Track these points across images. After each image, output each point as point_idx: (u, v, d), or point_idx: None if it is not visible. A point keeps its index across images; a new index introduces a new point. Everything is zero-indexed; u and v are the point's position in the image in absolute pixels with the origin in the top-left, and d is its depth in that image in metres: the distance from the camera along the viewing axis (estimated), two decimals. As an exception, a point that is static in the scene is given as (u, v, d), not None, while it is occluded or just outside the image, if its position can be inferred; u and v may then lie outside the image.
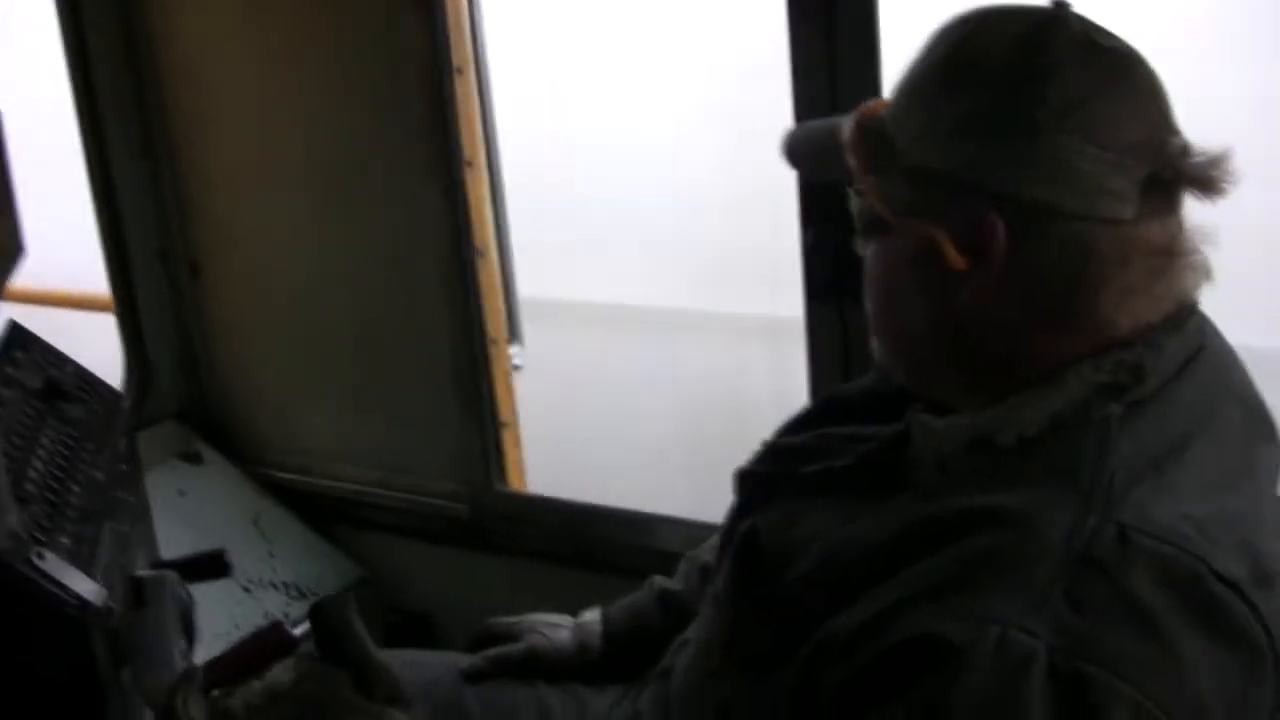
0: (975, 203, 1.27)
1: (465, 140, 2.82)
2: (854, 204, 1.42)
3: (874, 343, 1.47)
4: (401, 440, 3.05)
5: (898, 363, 1.44)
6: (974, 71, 1.29)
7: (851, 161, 1.37)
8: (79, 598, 1.36)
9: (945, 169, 1.29)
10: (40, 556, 1.37)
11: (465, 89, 2.82)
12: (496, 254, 2.99)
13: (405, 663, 2.16)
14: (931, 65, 1.33)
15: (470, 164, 2.84)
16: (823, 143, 1.47)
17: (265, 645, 1.84)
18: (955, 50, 1.32)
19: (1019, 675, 1.11)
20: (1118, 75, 1.28)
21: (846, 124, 1.40)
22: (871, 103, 1.43)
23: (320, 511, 3.27)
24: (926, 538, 1.23)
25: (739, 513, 1.55)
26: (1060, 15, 1.30)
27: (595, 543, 2.83)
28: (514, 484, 3.01)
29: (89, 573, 1.42)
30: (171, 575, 1.46)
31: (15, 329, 1.86)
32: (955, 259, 1.28)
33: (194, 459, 3.27)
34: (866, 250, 1.42)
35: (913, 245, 1.32)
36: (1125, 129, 1.25)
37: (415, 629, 3.17)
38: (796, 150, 1.59)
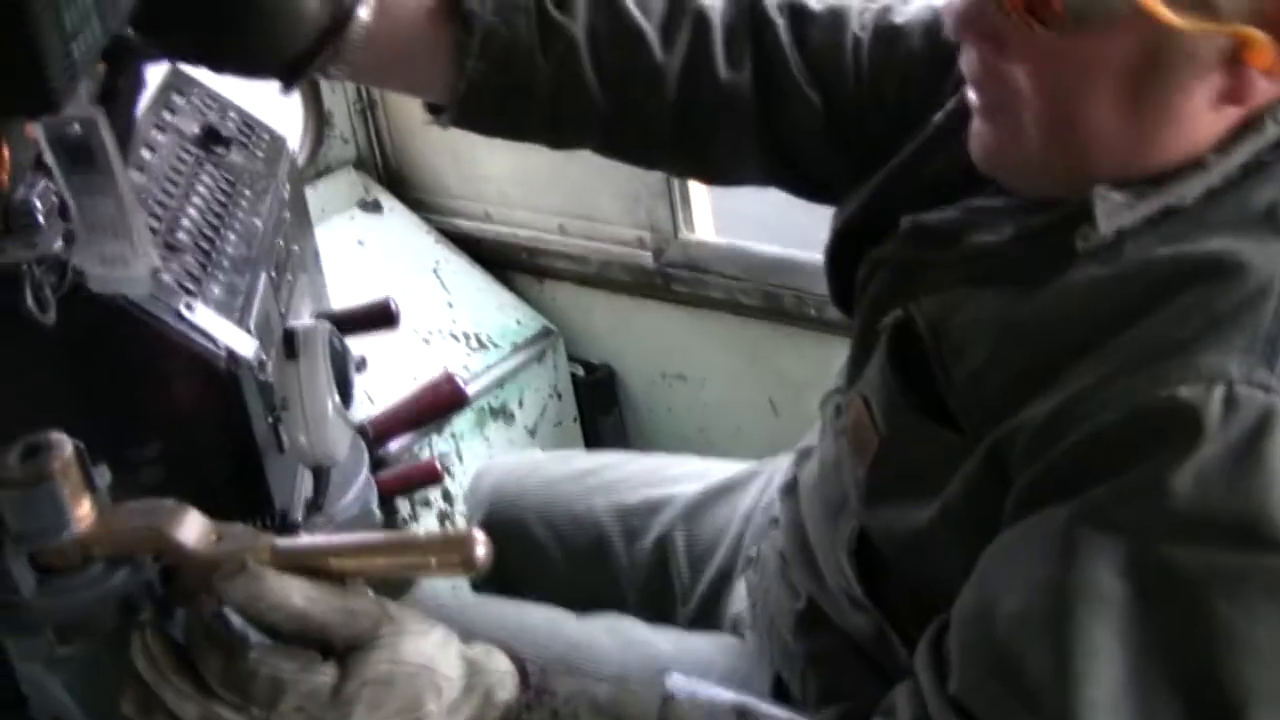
0: None
1: None
2: None
3: (993, 157, 1.28)
4: (583, 185, 2.96)
5: (1042, 182, 1.25)
6: None
7: None
8: (228, 350, 1.31)
9: None
10: (189, 307, 1.32)
11: None
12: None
13: None
14: None
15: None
16: None
17: (436, 397, 1.81)
18: None
19: (1255, 439, 0.99)
20: None
21: None
22: None
23: (501, 260, 3.21)
24: (1121, 300, 1.10)
25: (880, 304, 1.37)
26: None
27: (785, 293, 2.72)
28: (700, 231, 2.91)
29: (241, 324, 1.38)
30: (325, 326, 1.40)
31: (174, 73, 1.80)
32: (1265, 56, 1.08)
33: (373, 207, 3.23)
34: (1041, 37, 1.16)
35: (1136, 52, 1.11)
36: None
37: (598, 382, 3.14)
38: None
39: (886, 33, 1.52)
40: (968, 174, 1.35)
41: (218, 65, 1.40)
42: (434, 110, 1.55)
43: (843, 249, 1.50)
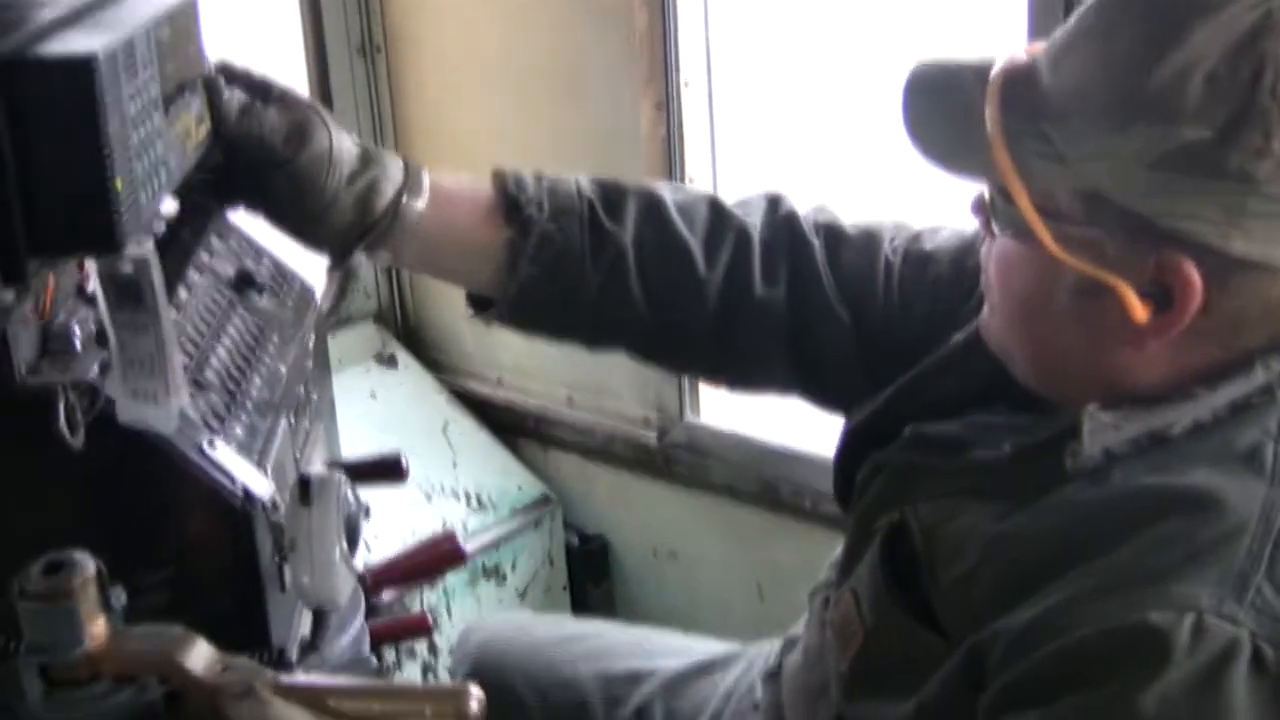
0: (1167, 250, 1.14)
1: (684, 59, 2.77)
2: (990, 196, 1.27)
3: (996, 338, 1.35)
4: (595, 361, 2.99)
5: (1038, 380, 1.33)
6: (1176, 100, 1.11)
7: (996, 158, 1.20)
8: (245, 489, 1.36)
9: (1133, 209, 1.14)
10: (211, 444, 1.37)
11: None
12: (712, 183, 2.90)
13: None
14: (1115, 73, 1.15)
15: (688, 85, 2.78)
16: (955, 125, 1.26)
17: (435, 554, 1.84)
18: (1149, 59, 1.12)
19: (1220, 668, 1.03)
20: None
21: (987, 99, 1.21)
22: (1020, 65, 1.23)
23: (508, 425, 3.26)
24: (1105, 524, 1.15)
25: (877, 506, 1.43)
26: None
27: (782, 484, 2.78)
28: (706, 416, 2.97)
29: (259, 465, 1.42)
30: (339, 477, 1.45)
31: (215, 216, 1.86)
32: (1138, 312, 1.16)
33: (389, 362, 3.29)
34: (1000, 238, 1.28)
35: (1075, 275, 1.20)
36: None
37: (592, 552, 3.18)
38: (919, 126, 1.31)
39: (916, 258, 1.59)
40: (977, 393, 1.43)
41: (274, 224, 1.48)
42: (477, 306, 1.62)
43: (850, 450, 1.55)
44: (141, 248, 1.16)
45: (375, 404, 3.17)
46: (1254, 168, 1.09)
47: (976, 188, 1.30)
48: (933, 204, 1.71)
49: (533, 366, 3.20)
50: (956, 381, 1.46)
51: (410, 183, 1.49)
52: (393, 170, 1.48)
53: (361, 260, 1.52)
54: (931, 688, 1.23)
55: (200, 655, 1.05)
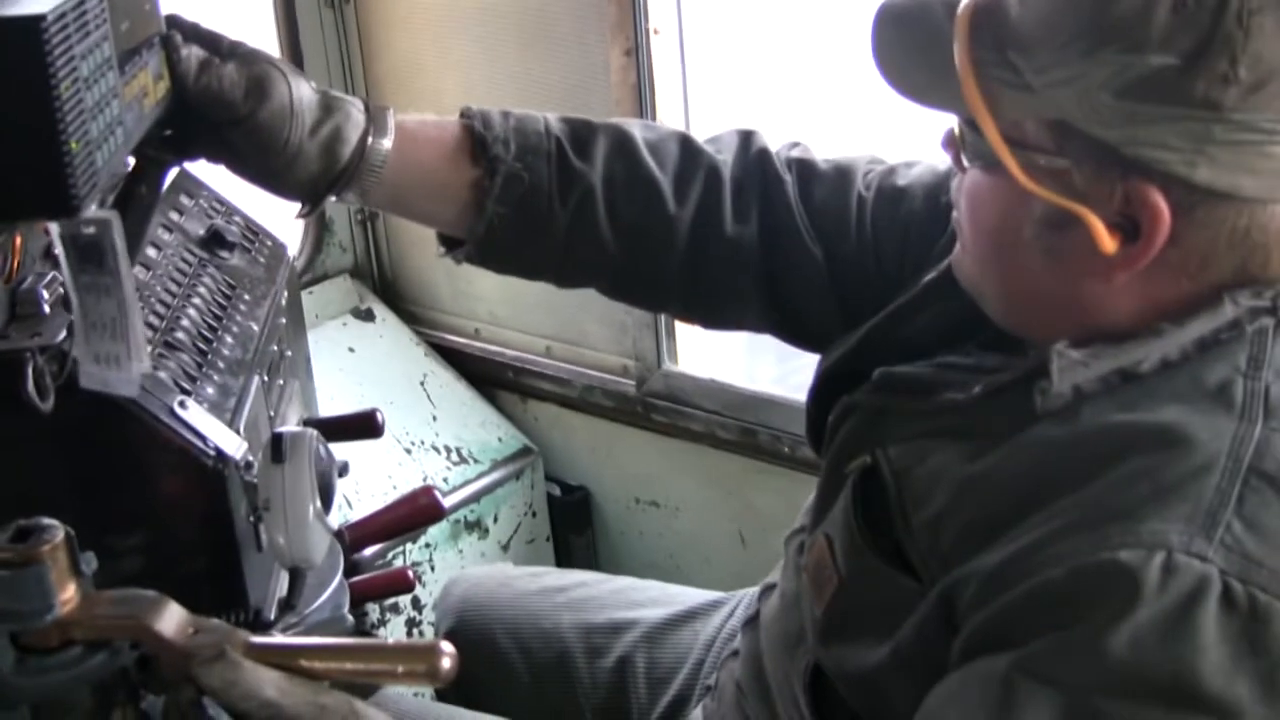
0: (1134, 180, 1.13)
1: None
2: (960, 129, 1.27)
3: (968, 275, 1.35)
4: (572, 310, 3.02)
5: (1010, 317, 1.33)
6: (1142, 28, 1.10)
7: (964, 89, 1.19)
8: (217, 449, 1.35)
9: (1100, 137, 1.14)
10: (182, 405, 1.37)
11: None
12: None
13: None
14: (1082, 2, 1.14)
15: (657, 32, 2.75)
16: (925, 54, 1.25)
17: (414, 509, 1.84)
18: None
19: (1190, 606, 1.03)
20: None
21: (955, 30, 1.20)
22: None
23: (487, 377, 3.26)
24: (1073, 462, 1.15)
25: (848, 448, 1.43)
26: None
27: (761, 430, 2.77)
28: (684, 364, 2.96)
29: (231, 424, 1.42)
30: (312, 434, 1.44)
31: (183, 174, 1.85)
32: (1105, 243, 1.16)
33: (366, 316, 3.27)
34: (969, 171, 1.28)
35: (1043, 206, 1.19)
36: None
37: (573, 503, 3.19)
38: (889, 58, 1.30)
39: (890, 193, 1.58)
40: (948, 334, 1.43)
41: (237, 174, 1.47)
42: (448, 244, 1.61)
43: (823, 392, 1.55)
44: (103, 209, 1.15)
45: (353, 358, 3.16)
46: (1220, 95, 1.09)
47: (948, 125, 1.30)
48: (906, 149, 1.70)
49: (509, 317, 3.19)
50: (928, 322, 1.46)
51: (375, 124, 1.49)
52: (355, 114, 1.48)
53: (334, 210, 1.52)
54: (906, 632, 1.23)
55: (172, 619, 1.05)
